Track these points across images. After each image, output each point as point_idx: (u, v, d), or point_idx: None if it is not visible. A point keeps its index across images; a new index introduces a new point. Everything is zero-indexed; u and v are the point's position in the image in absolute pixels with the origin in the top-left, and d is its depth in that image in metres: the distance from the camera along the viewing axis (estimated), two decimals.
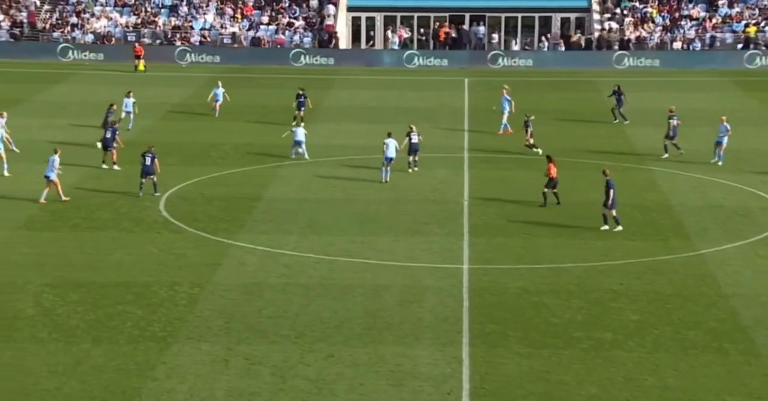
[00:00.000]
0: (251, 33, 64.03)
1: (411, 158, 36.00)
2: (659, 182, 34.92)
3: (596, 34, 62.89)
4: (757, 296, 24.46)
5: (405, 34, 64.02)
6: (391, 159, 34.27)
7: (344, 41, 64.64)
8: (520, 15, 64.66)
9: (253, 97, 50.70)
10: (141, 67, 57.37)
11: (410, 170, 35.83)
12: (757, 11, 63.58)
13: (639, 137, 42.14)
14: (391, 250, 27.90)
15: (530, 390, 19.87)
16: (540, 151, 38.33)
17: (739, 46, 61.14)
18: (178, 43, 62.99)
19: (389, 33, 63.85)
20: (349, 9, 65.61)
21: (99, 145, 37.21)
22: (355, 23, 65.68)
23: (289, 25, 64.62)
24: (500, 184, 34.89)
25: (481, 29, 63.90)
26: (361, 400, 19.47)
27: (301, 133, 37.87)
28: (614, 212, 29.40)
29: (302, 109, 43.67)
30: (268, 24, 64.77)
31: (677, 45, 61.89)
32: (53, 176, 31.06)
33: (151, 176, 32.39)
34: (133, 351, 21.35)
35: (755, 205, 32.06)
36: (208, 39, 63.69)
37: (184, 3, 66.15)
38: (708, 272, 26.18)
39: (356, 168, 37.02)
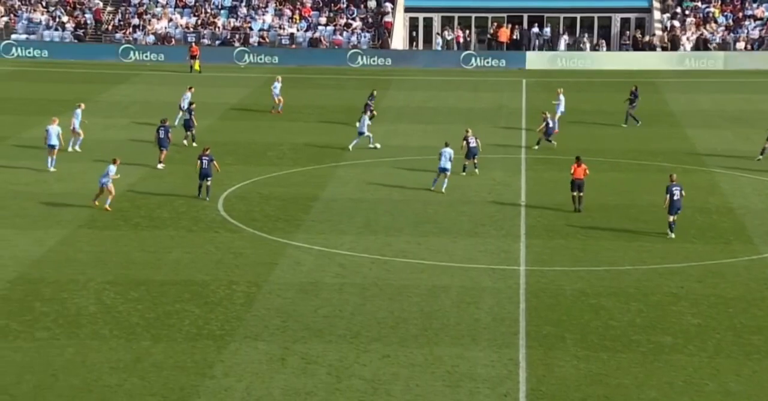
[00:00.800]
0: (309, 34, 64.31)
1: (467, 162, 35.71)
2: (721, 185, 34.40)
3: (657, 34, 62.14)
4: None
5: (461, 34, 63.83)
6: (443, 169, 33.22)
7: (401, 42, 64.65)
8: (579, 15, 64.11)
9: (310, 98, 50.91)
10: (197, 67, 57.88)
11: (464, 174, 35.40)
12: None
13: (700, 138, 41.56)
14: (448, 251, 27.84)
15: (588, 393, 19.67)
16: (536, 147, 39.28)
17: None
18: (237, 44, 63.46)
19: (445, 33, 63.66)
20: (407, 10, 65.59)
21: (185, 142, 39.08)
22: (413, 24, 65.64)
23: (347, 25, 64.80)
24: (557, 185, 34.58)
25: (547, 30, 63.45)
26: None
27: (364, 123, 39.34)
28: (671, 218, 28.86)
29: (371, 110, 43.15)
30: (326, 25, 65.02)
31: (740, 45, 60.90)
32: (109, 184, 31.21)
33: (208, 179, 32.38)
34: (191, 349, 21.51)
35: None
36: (267, 40, 64.08)
37: (243, 4, 66.67)
38: None
39: (413, 170, 36.96)
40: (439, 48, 63.02)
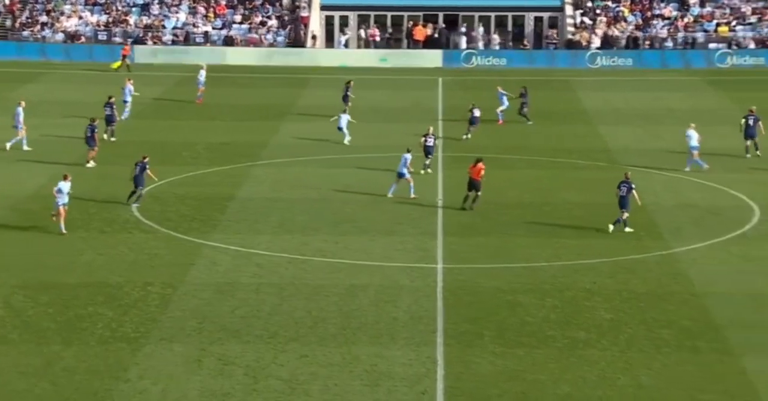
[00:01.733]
0: (224, 32, 63.71)
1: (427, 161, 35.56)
2: (633, 181, 34.93)
3: (569, 32, 63.05)
4: (731, 295, 24.56)
5: (377, 33, 63.87)
6: (401, 175, 32.51)
7: (317, 40, 64.39)
8: (493, 14, 64.66)
9: (225, 97, 50.46)
10: (116, 65, 56.94)
11: (423, 172, 35.27)
12: (728, 11, 63.96)
13: (613, 136, 42.24)
14: (366, 250, 27.83)
15: (505, 389, 19.84)
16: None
17: (711, 45, 61.46)
18: (150, 42, 62.55)
19: (347, 31, 63.67)
20: (323, 8, 65.40)
21: (105, 136, 38.63)
22: (329, 22, 65.46)
23: (262, 24, 64.35)
24: None
25: (481, 30, 63.81)
26: (335, 400, 19.33)
27: (344, 119, 39.72)
28: (624, 215, 29.19)
29: (348, 102, 44.36)
30: (241, 23, 64.48)
31: (649, 44, 62.12)
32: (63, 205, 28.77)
33: (140, 188, 31.51)
34: (105, 353, 21.15)
35: (728, 204, 32.23)
36: (180, 38, 63.29)
37: (156, 2, 65.74)
38: (681, 270, 26.27)
39: (330, 168, 36.90)
40: (342, 47, 62.92)
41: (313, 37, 63.29)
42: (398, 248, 27.96)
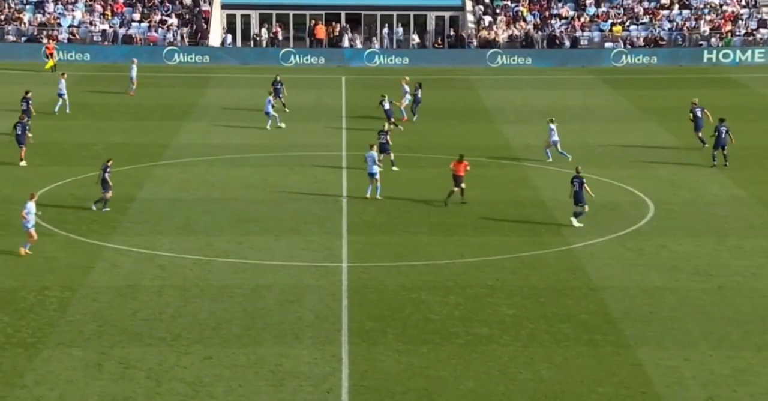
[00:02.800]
0: (123, 30, 62.67)
1: (383, 157, 35.47)
2: (533, 178, 35.62)
3: (470, 32, 63.76)
4: (626, 289, 25.16)
5: (280, 31, 63.63)
6: (371, 174, 32.10)
7: (218, 39, 63.86)
8: (395, 13, 64.99)
9: (125, 97, 49.68)
10: (50, 64, 55.61)
11: (394, 169, 35.65)
12: (621, 11, 65.49)
13: (513, 133, 42.87)
14: (271, 249, 27.73)
15: (409, 386, 20.00)
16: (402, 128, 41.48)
17: (607, 44, 62.83)
18: (45, 40, 61.15)
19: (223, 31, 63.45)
20: (224, 6, 64.85)
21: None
22: (230, 21, 64.94)
23: (162, 22, 63.50)
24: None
25: (400, 30, 63.88)
26: None
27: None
28: (576, 208, 29.65)
29: (280, 96, 45.63)
30: (140, 21, 63.54)
31: (547, 43, 63.19)
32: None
33: (104, 192, 30.77)
34: (0, 359, 20.64)
35: (624, 199, 32.99)
36: (77, 37, 62.06)
37: None
38: (579, 265, 26.80)
39: (233, 167, 36.65)
40: (218, 44, 62.51)
41: (226, 32, 62.73)
42: (303, 248, 27.92)
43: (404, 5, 64.89)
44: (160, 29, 62.86)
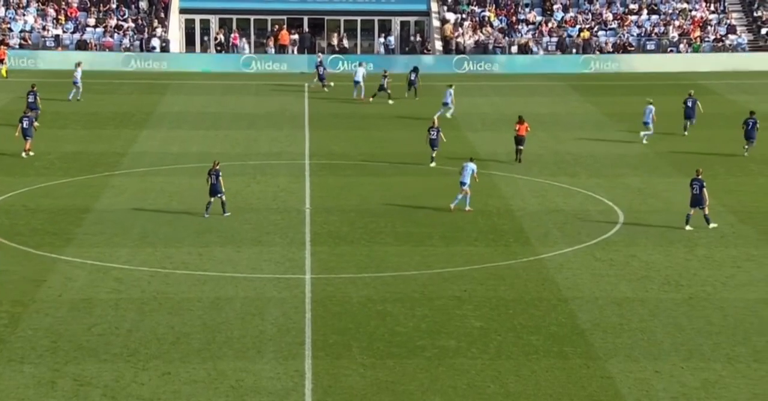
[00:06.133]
0: (77, 36, 61.60)
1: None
2: (500, 187, 35.18)
3: (435, 36, 63.40)
4: (595, 300, 24.74)
5: (239, 37, 62.85)
6: (461, 184, 31.49)
7: (177, 44, 62.96)
8: (359, 18, 64.49)
9: (80, 104, 48.79)
10: (3, 73, 54.54)
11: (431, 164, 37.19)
12: (589, 16, 65.40)
13: (481, 141, 42.45)
14: (232, 261, 27.12)
15: None
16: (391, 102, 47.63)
17: (575, 50, 62.69)
18: None
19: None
20: (182, 11, 63.95)
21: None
22: (189, 26, 64.08)
23: (118, 27, 62.50)
24: (342, 191, 34.47)
25: (392, 39, 63.47)
26: None
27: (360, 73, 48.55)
28: (707, 210, 29.74)
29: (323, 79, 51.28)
30: (95, 26, 62.48)
31: (515, 49, 62.97)
32: None
33: (219, 195, 30.58)
34: None
35: (593, 208, 32.62)
36: (29, 42, 60.88)
37: (1, 3, 63.04)
38: (548, 276, 26.37)
39: (194, 176, 35.93)
40: (177, 50, 61.84)
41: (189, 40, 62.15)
42: (265, 259, 27.32)
43: (369, 10, 64.41)
44: (116, 34, 61.86)
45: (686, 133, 41.80)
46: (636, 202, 33.23)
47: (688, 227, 29.95)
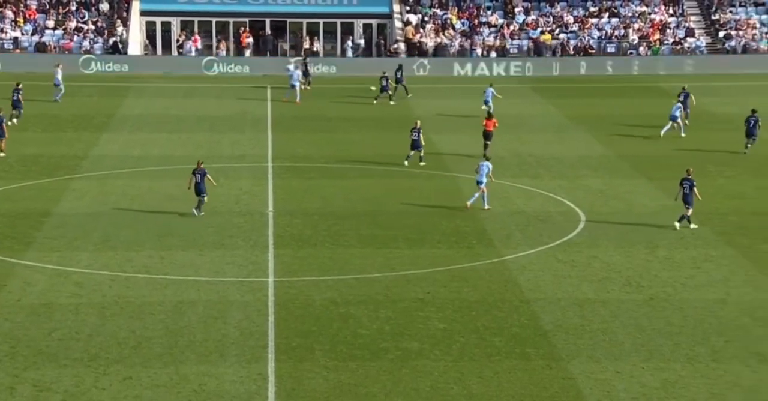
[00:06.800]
0: (35, 38, 60.97)
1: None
2: (463, 189, 35.24)
3: (398, 39, 63.44)
4: (557, 301, 24.86)
5: (199, 40, 62.50)
6: (479, 183, 32.13)
7: (138, 47, 62.48)
8: (322, 21, 64.39)
9: (40, 107, 48.22)
10: None
11: (405, 163, 37.77)
12: (551, 19, 65.76)
13: (443, 143, 42.50)
14: (194, 264, 26.96)
15: None
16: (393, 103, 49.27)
17: (537, 52, 62.92)
18: None
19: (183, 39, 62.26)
20: (143, 13, 63.50)
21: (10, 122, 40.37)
22: (150, 28, 63.65)
23: (78, 30, 61.93)
24: (305, 193, 34.40)
25: (361, 42, 63.32)
26: None
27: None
28: (689, 211, 29.99)
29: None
30: (54, 28, 61.88)
31: (478, 51, 63.11)
32: None
33: (203, 195, 30.53)
34: None
35: (555, 210, 32.78)
36: None
37: None
38: (511, 277, 26.46)
39: (155, 179, 35.70)
40: (138, 53, 61.46)
41: (147, 46, 61.70)
42: (228, 262, 27.17)
43: (331, 13, 64.30)
44: (76, 37, 61.29)
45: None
46: (597, 203, 33.45)
47: (677, 225, 30.34)
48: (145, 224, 30.48)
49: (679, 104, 43.23)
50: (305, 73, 53.68)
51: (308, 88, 53.71)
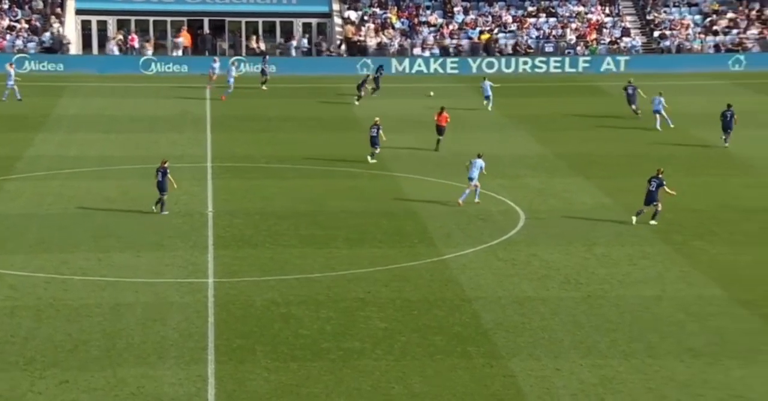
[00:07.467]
0: None
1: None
2: (404, 189, 35.30)
3: (339, 38, 63.37)
4: (497, 299, 25.00)
5: (135, 38, 61.78)
6: (470, 179, 32.78)
7: (74, 46, 61.55)
8: (261, 20, 64.03)
9: None
10: None
11: (370, 160, 38.08)
12: (490, 18, 66.15)
13: (383, 143, 42.47)
14: (132, 266, 26.67)
15: None
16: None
17: (478, 52, 63.23)
18: None
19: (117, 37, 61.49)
20: (78, 12, 62.55)
21: None
22: (86, 27, 62.72)
23: (10, 28, 60.80)
24: (245, 193, 34.18)
25: (305, 41, 62.91)
26: None
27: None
28: (659, 207, 30.58)
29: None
30: None
31: (417, 51, 63.24)
32: None
33: (164, 194, 30.30)
34: None
35: (495, 209, 32.96)
36: None
37: None
38: (452, 276, 26.55)
39: (92, 180, 35.23)
40: (73, 52, 60.67)
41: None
42: (167, 263, 26.92)
43: (270, 11, 63.96)
44: (8, 35, 60.16)
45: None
46: (536, 202, 33.71)
47: (634, 220, 30.87)
48: (81, 225, 30.07)
49: (661, 98, 44.38)
50: (263, 72, 54.00)
51: (264, 88, 53.60)
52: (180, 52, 61.33)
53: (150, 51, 60.86)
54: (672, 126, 44.86)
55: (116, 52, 60.66)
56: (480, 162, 32.94)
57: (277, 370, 20.70)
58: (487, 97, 49.28)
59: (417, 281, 26.10)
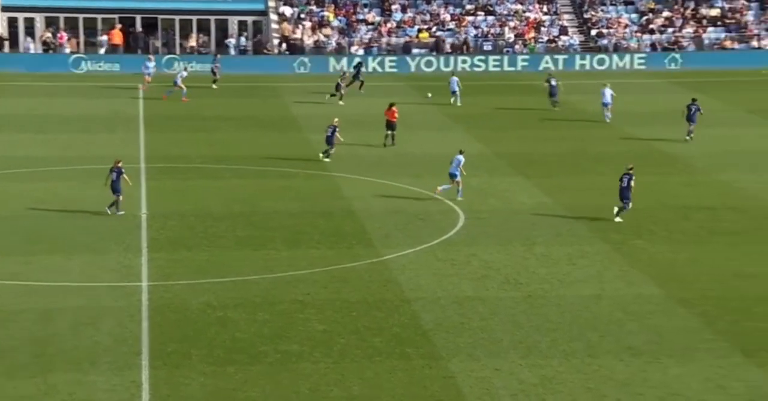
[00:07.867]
0: None
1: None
2: (342, 188, 34.98)
3: (275, 36, 62.79)
4: (437, 300, 24.82)
5: (65, 36, 60.54)
6: (452, 175, 33.08)
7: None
8: (195, 17, 63.15)
9: None
10: None
11: (322, 157, 38.14)
12: (428, 16, 66.06)
13: (321, 143, 42.13)
14: (63, 270, 26.08)
15: None
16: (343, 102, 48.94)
17: (414, 50, 63.06)
18: None
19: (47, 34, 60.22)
20: (5, 9, 61.09)
21: None
22: (12, 24, 61.30)
23: None
24: (180, 195, 33.60)
25: (243, 39, 62.05)
26: None
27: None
28: (630, 205, 30.77)
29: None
30: None
31: (354, 49, 62.90)
32: None
33: (118, 194, 29.78)
34: None
35: (434, 209, 32.80)
36: None
37: None
38: (391, 277, 26.32)
39: (20, 182, 34.40)
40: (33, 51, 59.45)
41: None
42: (100, 267, 26.35)
43: (205, 9, 63.15)
44: None
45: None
46: (476, 202, 33.60)
47: (617, 219, 30.95)
48: (9, 228, 29.36)
49: (610, 91, 45.35)
50: (213, 72, 53.94)
51: (215, 86, 53.27)
52: (103, 51, 60.21)
53: (68, 49, 59.63)
54: (608, 122, 45.24)
55: (40, 50, 59.40)
56: (460, 158, 33.24)
57: (214, 375, 20.34)
58: (454, 93, 50.03)
59: (356, 283, 25.82)
